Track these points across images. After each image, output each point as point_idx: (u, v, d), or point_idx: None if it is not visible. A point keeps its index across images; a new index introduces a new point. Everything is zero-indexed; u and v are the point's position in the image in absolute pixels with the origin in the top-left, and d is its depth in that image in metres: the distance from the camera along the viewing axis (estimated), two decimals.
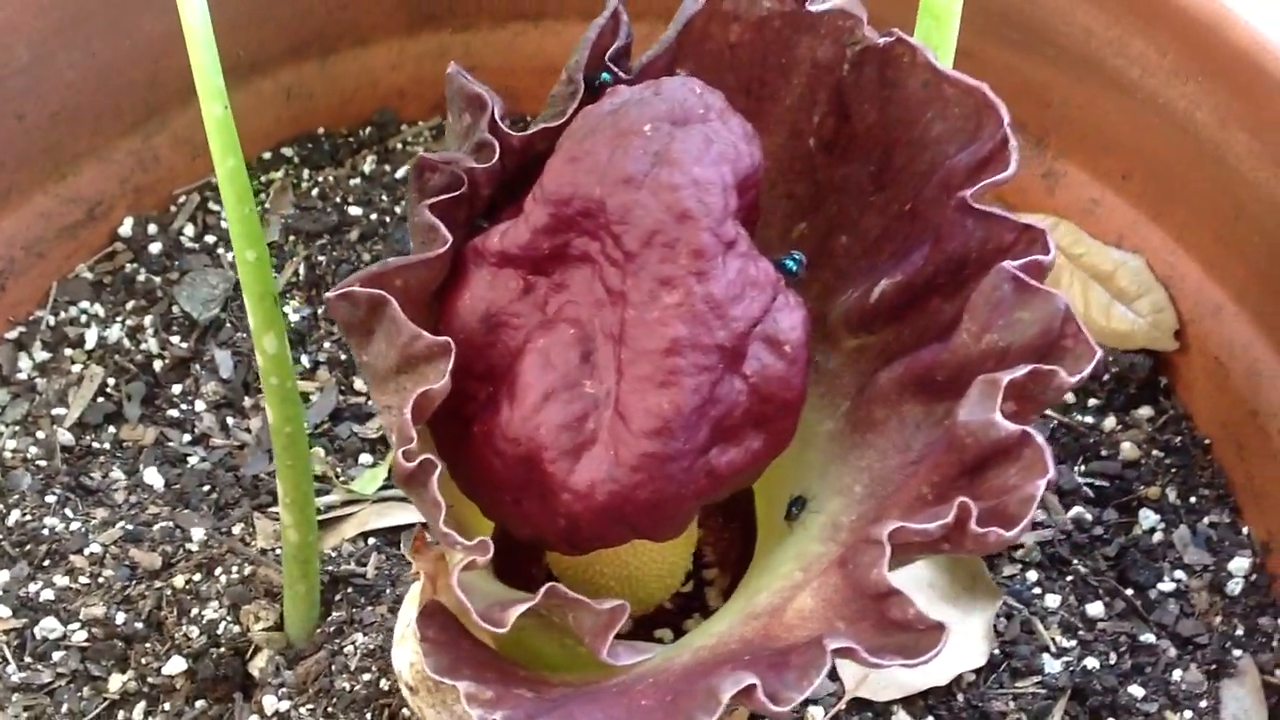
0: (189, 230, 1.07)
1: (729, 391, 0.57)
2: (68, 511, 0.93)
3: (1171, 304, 0.93)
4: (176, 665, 0.85)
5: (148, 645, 0.86)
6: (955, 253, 0.60)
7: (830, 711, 0.81)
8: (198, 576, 0.88)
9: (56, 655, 0.86)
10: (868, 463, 0.64)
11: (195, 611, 0.87)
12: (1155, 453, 0.93)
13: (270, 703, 0.82)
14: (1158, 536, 0.89)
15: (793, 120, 0.68)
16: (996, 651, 0.85)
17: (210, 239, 1.07)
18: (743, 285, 0.56)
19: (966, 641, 0.84)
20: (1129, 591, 0.87)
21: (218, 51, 1.04)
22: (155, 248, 1.06)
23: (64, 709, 0.84)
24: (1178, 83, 0.86)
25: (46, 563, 0.90)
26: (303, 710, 0.82)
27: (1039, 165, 0.99)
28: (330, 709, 0.81)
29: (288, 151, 1.12)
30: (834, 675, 0.82)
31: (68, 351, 1.02)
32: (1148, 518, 0.90)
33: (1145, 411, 0.95)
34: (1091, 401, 0.96)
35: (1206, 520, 0.89)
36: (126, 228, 1.07)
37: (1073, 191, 0.98)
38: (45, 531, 0.91)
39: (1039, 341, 0.57)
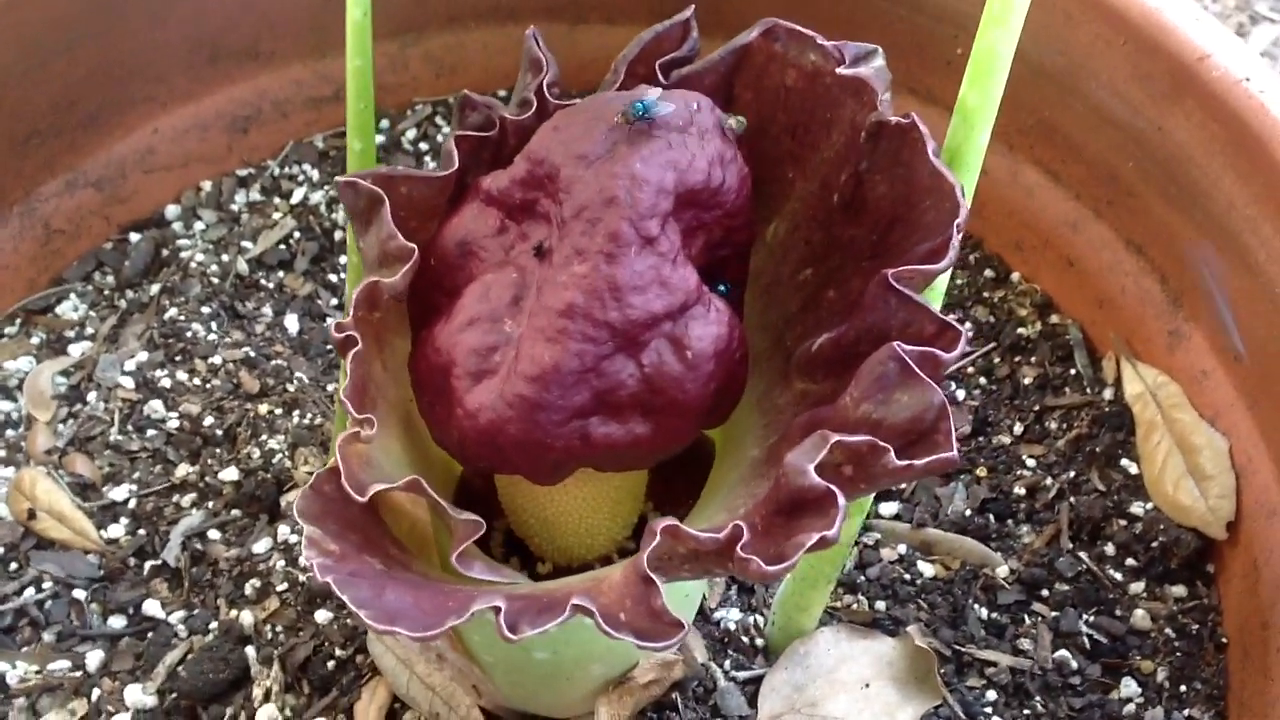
0: (410, 134, 1.20)
1: (618, 370, 0.62)
2: (213, 324, 1.07)
3: (1235, 495, 0.91)
4: (230, 474, 0.98)
5: (218, 451, 0.99)
6: (875, 325, 0.63)
7: None
8: (279, 411, 1.01)
9: (150, 432, 1.01)
10: (759, 492, 0.68)
11: (264, 438, 0.99)
12: (1168, 631, 0.90)
13: (284, 532, 0.94)
14: (1130, 708, 0.87)
15: (825, 174, 0.72)
16: None
17: (424, 147, 1.20)
18: (650, 280, 0.61)
19: None
20: None
21: None
22: (379, 139, 1.20)
23: (135, 475, 0.98)
24: None
25: (178, 358, 1.05)
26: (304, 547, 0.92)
27: (1169, 322, 0.97)
28: None
29: None
30: (752, 703, 0.86)
31: (276, 200, 1.17)
32: (1129, 686, 0.88)
33: (1178, 590, 0.92)
34: (1129, 561, 0.94)
35: (1186, 713, 0.86)
36: None
37: (1190, 356, 0.96)
38: (188, 333, 1.06)
39: (909, 426, 0.59)
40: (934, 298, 0.72)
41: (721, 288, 0.66)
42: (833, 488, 0.56)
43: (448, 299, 0.67)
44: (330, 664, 0.87)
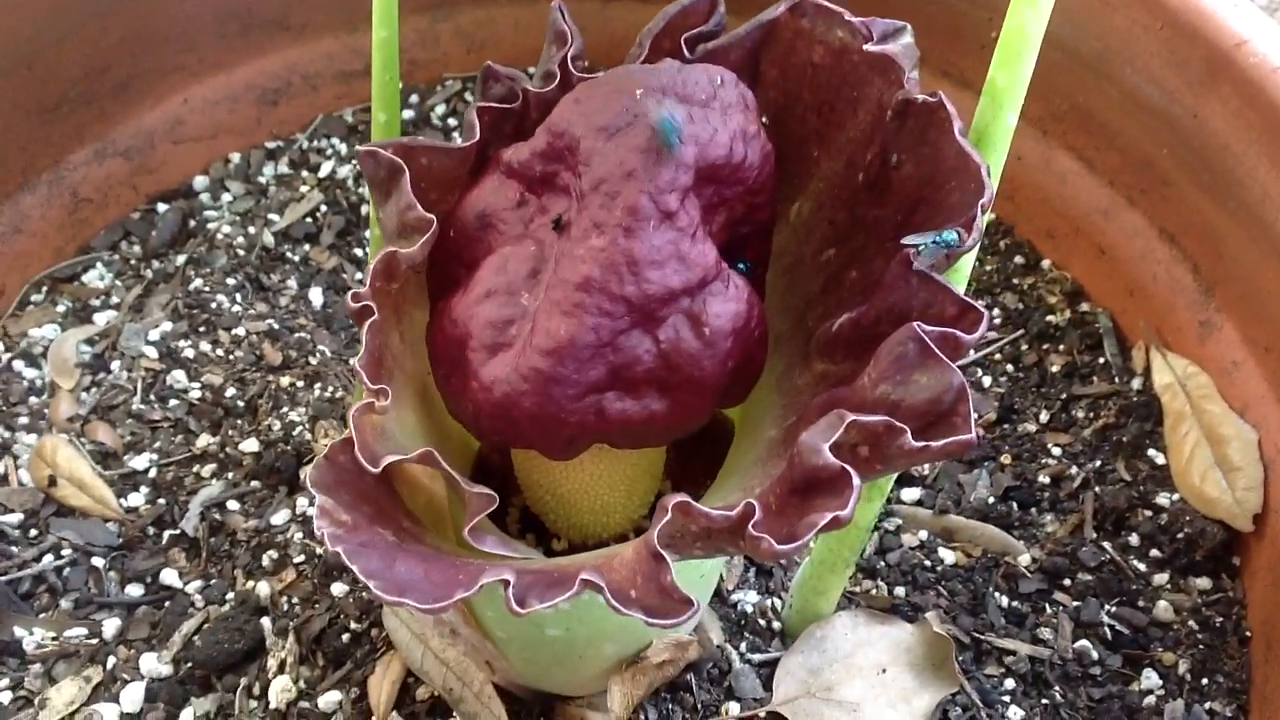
0: (440, 109, 1.20)
1: (634, 345, 0.61)
2: (237, 296, 1.07)
3: (1263, 487, 0.89)
4: (251, 446, 0.98)
5: (239, 422, 0.99)
6: (895, 305, 0.62)
7: (747, 711, 0.84)
8: (300, 383, 1.01)
9: (172, 402, 1.01)
10: (775, 471, 0.67)
11: (285, 410, 0.99)
12: (1191, 623, 0.89)
13: (302, 504, 0.94)
14: (1150, 700, 0.86)
15: (851, 152, 0.71)
16: None
17: (452, 122, 1.19)
18: (668, 255, 0.60)
19: (907, 712, 0.85)
20: None
21: None
22: (407, 114, 1.20)
23: (156, 445, 0.98)
24: None
25: (201, 329, 1.05)
26: None
27: (1201, 312, 0.96)
28: None
29: None
30: (768, 686, 0.85)
31: (304, 173, 1.17)
32: (1150, 678, 0.87)
33: (1202, 583, 0.91)
34: (1153, 552, 0.93)
35: (1208, 706, 0.85)
36: None
37: (1221, 347, 0.94)
38: (213, 304, 1.06)
39: (927, 408, 0.59)
40: (958, 279, 0.71)
41: (741, 265, 0.65)
42: (847, 468, 0.55)
43: (466, 271, 0.67)
44: (345, 637, 0.87)
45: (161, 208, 1.13)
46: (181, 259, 1.10)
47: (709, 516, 0.56)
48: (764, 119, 0.71)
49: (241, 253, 1.11)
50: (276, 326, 1.05)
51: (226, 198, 1.15)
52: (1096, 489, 0.96)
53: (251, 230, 1.12)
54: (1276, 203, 0.86)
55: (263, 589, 0.90)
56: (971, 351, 1.06)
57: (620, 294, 0.60)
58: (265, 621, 0.88)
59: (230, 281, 1.08)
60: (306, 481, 0.94)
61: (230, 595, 0.90)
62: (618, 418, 0.63)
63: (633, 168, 0.59)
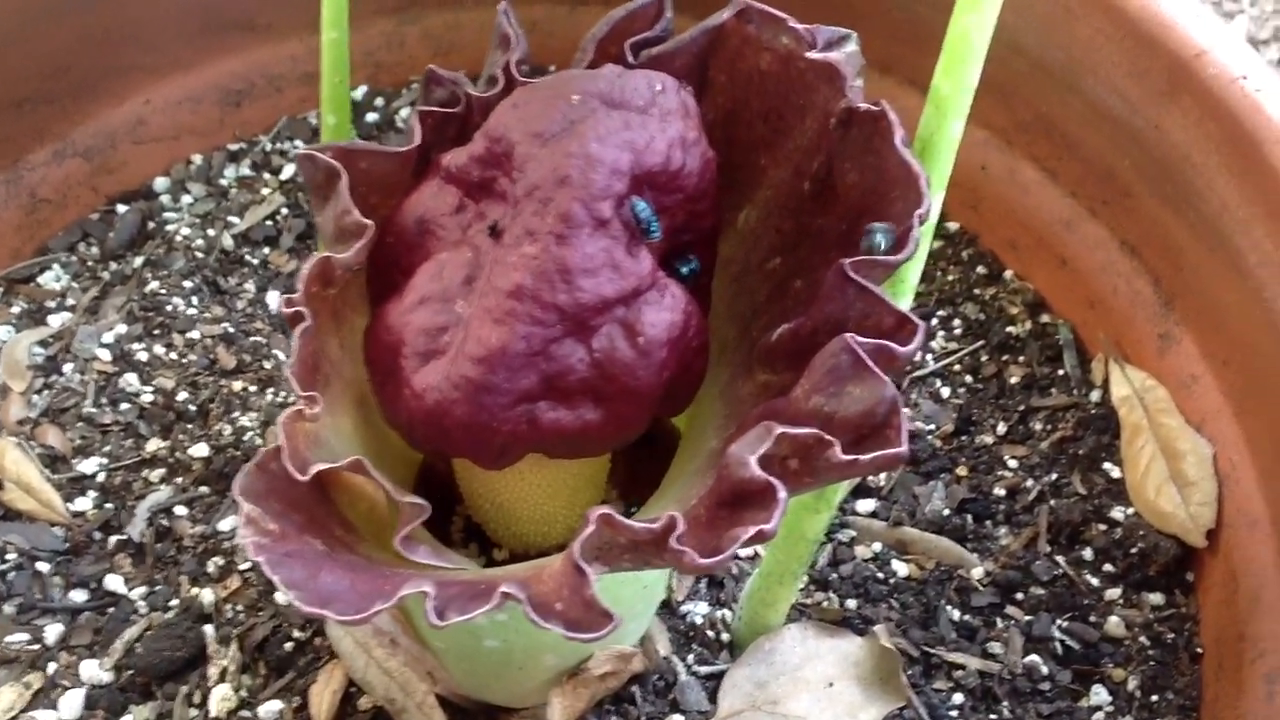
0: (404, 113, 1.19)
1: (567, 354, 0.61)
2: (193, 299, 1.06)
3: (1217, 503, 0.89)
4: (200, 451, 0.97)
5: (189, 427, 0.98)
6: (833, 316, 0.61)
7: None
8: (254, 388, 1.00)
9: (124, 406, 1.00)
10: (710, 482, 0.66)
11: (236, 414, 0.98)
12: (1143, 639, 0.88)
13: None
14: (1099, 717, 0.85)
15: (798, 161, 0.70)
16: None
17: None
18: (602, 264, 0.60)
19: None
20: None
21: None
22: (372, 117, 1.19)
23: (106, 449, 0.97)
24: None
25: (156, 331, 1.04)
26: None
27: (1160, 324, 0.95)
28: None
29: None
30: (712, 699, 0.85)
31: (266, 176, 1.16)
32: (1099, 694, 0.86)
33: (1155, 598, 0.90)
34: (1107, 567, 0.92)
35: None
36: (358, 93, 1.20)
37: (1180, 360, 0.94)
38: (168, 307, 1.05)
39: (860, 420, 0.58)
40: (903, 291, 0.70)
41: (684, 270, 0.64)
42: (773, 481, 0.55)
43: (404, 277, 0.66)
44: (288, 645, 0.86)
45: (121, 209, 1.12)
46: (139, 261, 1.09)
47: (632, 529, 0.55)
48: (711, 126, 0.71)
49: (200, 255, 1.10)
50: (232, 330, 1.04)
51: (187, 199, 1.14)
52: (1052, 502, 0.95)
53: (211, 233, 1.11)
54: (1235, 215, 0.85)
55: (206, 596, 0.88)
56: (931, 362, 1.06)
57: (552, 302, 0.59)
58: (208, 629, 0.87)
59: (187, 284, 1.07)
60: (233, 489, 0.93)
61: (174, 602, 0.89)
62: (551, 427, 0.62)
63: (566, 174, 0.59)
